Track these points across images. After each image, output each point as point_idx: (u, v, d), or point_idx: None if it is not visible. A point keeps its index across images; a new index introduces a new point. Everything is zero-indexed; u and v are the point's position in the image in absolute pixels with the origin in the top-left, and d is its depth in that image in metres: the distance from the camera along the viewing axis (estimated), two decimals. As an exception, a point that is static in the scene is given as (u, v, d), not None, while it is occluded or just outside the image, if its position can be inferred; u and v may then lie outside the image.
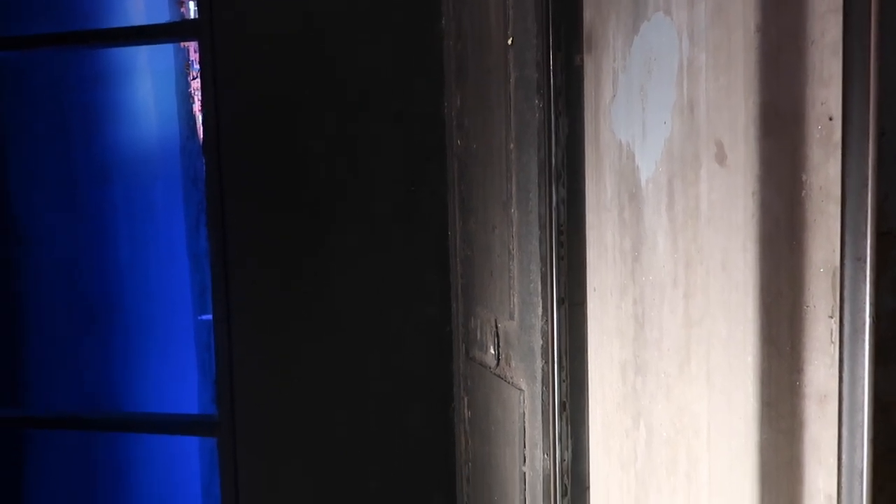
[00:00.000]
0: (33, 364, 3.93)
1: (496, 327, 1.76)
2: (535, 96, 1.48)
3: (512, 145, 1.62)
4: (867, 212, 0.76)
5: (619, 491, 1.38)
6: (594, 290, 1.44)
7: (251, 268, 2.21)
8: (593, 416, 1.48)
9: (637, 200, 1.26)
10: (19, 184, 3.84)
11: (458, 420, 2.14)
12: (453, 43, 2.03)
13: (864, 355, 0.78)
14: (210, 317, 2.39)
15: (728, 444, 1.06)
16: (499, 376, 1.77)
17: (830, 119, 0.85)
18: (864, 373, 0.78)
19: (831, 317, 0.87)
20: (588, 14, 1.41)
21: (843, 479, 0.80)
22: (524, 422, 1.62)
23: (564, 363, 1.47)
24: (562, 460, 1.48)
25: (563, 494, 1.48)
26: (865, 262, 0.76)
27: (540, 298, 1.50)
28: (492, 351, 1.79)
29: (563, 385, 1.47)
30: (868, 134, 0.76)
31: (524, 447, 1.63)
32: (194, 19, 2.26)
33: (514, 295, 1.65)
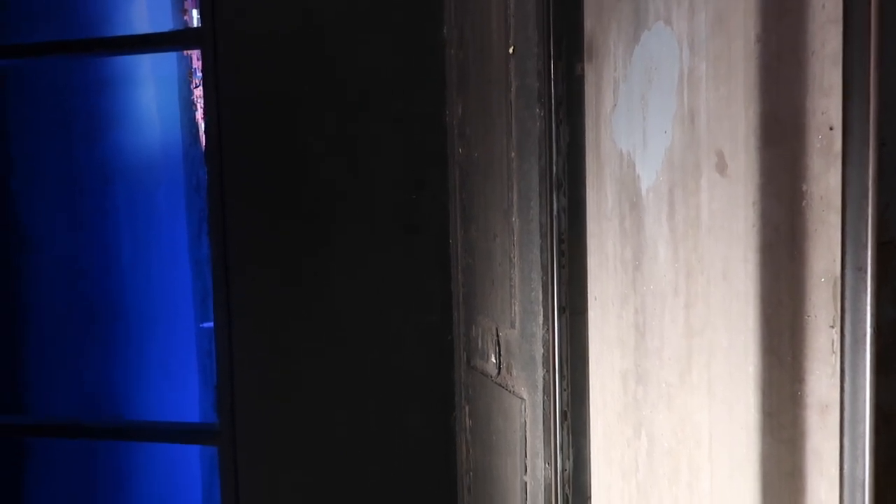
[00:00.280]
0: (34, 370, 3.93)
1: (497, 336, 1.76)
2: (537, 105, 1.49)
3: (513, 154, 1.63)
4: (868, 222, 0.76)
5: (621, 501, 1.37)
6: (595, 298, 1.44)
7: (252, 275, 2.21)
8: (594, 426, 1.47)
9: (638, 209, 1.26)
10: (23, 189, 3.85)
11: (459, 429, 2.13)
12: (455, 51, 2.04)
13: (865, 366, 0.77)
14: (211, 325, 2.39)
15: (729, 455, 1.06)
16: (500, 385, 1.77)
17: (831, 129, 0.85)
18: (865, 383, 0.77)
19: (832, 327, 0.87)
20: (589, 23, 1.42)
21: (846, 490, 0.80)
22: (525, 431, 1.61)
23: (566, 372, 1.47)
24: (563, 470, 1.47)
25: (565, 504, 1.48)
26: (866, 272, 0.76)
27: (541, 307, 1.50)
28: (493, 360, 1.79)
29: (565, 394, 1.47)
30: (868, 144, 0.76)
31: (525, 457, 1.63)
32: (197, 28, 2.27)
33: (515, 303, 1.65)
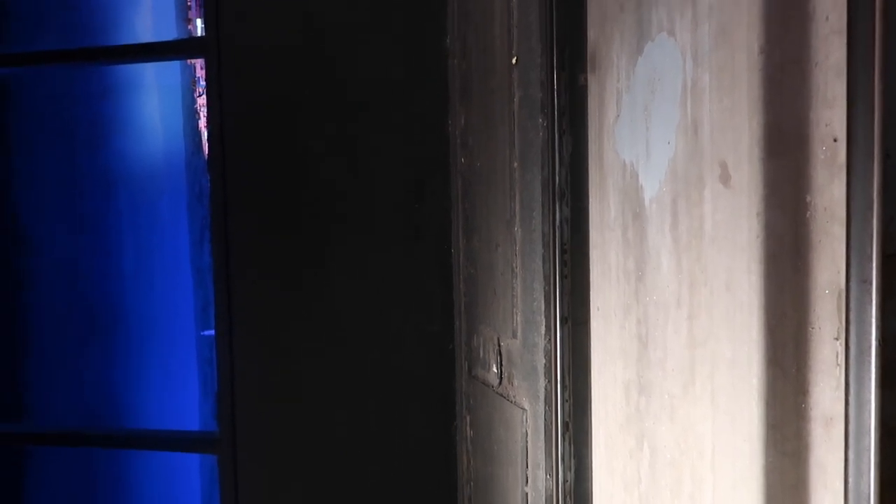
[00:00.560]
0: (35, 376, 3.93)
1: (499, 346, 1.76)
2: (539, 115, 1.49)
3: (516, 164, 1.63)
4: (872, 234, 0.76)
5: (623, 513, 1.36)
6: (598, 309, 1.44)
7: (254, 283, 2.21)
8: (596, 437, 1.46)
9: (641, 220, 1.26)
10: (25, 196, 3.86)
11: (460, 438, 2.12)
12: (458, 61, 2.04)
13: (870, 378, 0.77)
14: (212, 332, 2.39)
15: (732, 466, 1.05)
16: (501, 395, 1.76)
17: (835, 140, 0.85)
18: (870, 396, 0.77)
19: (837, 339, 0.86)
20: (592, 34, 1.42)
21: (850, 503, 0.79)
22: (527, 441, 1.61)
23: (567, 382, 1.46)
24: (564, 481, 1.46)
25: (566, 516, 1.47)
26: (871, 284, 0.76)
27: (543, 317, 1.50)
28: (494, 369, 1.78)
29: (567, 405, 1.46)
30: (873, 155, 0.76)
31: (527, 467, 1.62)
32: (201, 37, 2.28)
33: (517, 313, 1.65)
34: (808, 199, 0.90)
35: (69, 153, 4.45)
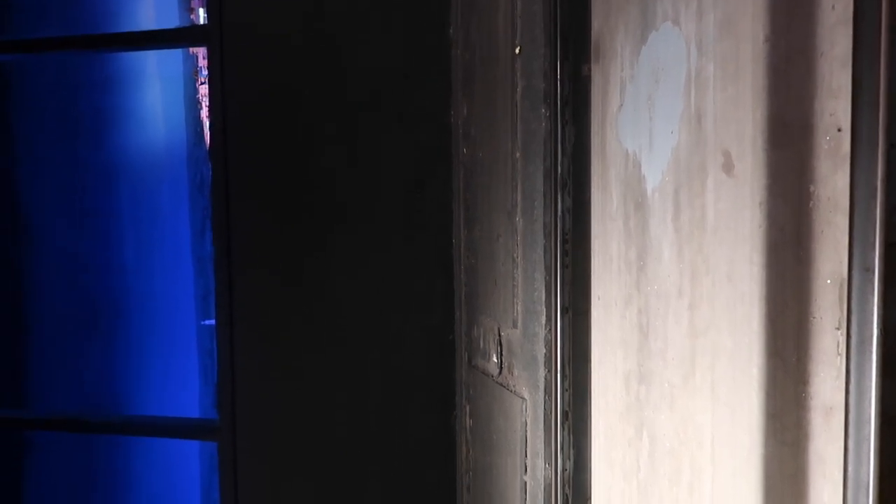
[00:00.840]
0: (36, 365, 3.94)
1: (499, 336, 1.76)
2: (542, 105, 1.49)
3: (518, 154, 1.63)
4: (875, 223, 0.75)
5: (621, 501, 1.37)
6: (598, 299, 1.44)
7: (254, 273, 2.21)
8: (596, 426, 1.47)
9: (643, 210, 1.26)
10: (27, 185, 3.86)
11: (460, 428, 2.13)
12: (461, 51, 2.04)
13: (871, 368, 0.77)
14: (213, 322, 2.39)
15: (732, 456, 1.05)
16: (501, 385, 1.76)
17: (839, 130, 0.85)
18: (870, 385, 0.77)
19: (838, 329, 0.86)
20: (596, 24, 1.42)
21: (849, 493, 0.80)
22: (526, 431, 1.61)
23: (567, 372, 1.46)
24: (563, 470, 1.47)
25: (565, 505, 1.48)
26: (874, 273, 0.76)
27: (544, 307, 1.50)
28: (494, 359, 1.79)
29: (566, 394, 1.46)
30: (877, 146, 0.76)
31: (526, 456, 1.62)
32: (203, 25, 2.28)
33: (517, 303, 1.65)
34: (812, 188, 0.89)
35: (71, 142, 4.45)
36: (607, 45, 1.37)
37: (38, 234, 3.97)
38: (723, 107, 1.05)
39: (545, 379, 1.50)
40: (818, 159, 0.89)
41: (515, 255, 1.66)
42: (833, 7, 0.86)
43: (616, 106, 1.35)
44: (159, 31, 2.42)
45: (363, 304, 2.17)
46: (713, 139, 1.07)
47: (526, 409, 1.61)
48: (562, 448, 1.46)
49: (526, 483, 1.63)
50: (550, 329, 1.48)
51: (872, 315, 0.76)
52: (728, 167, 1.03)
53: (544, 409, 1.50)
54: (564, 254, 1.45)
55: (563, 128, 1.44)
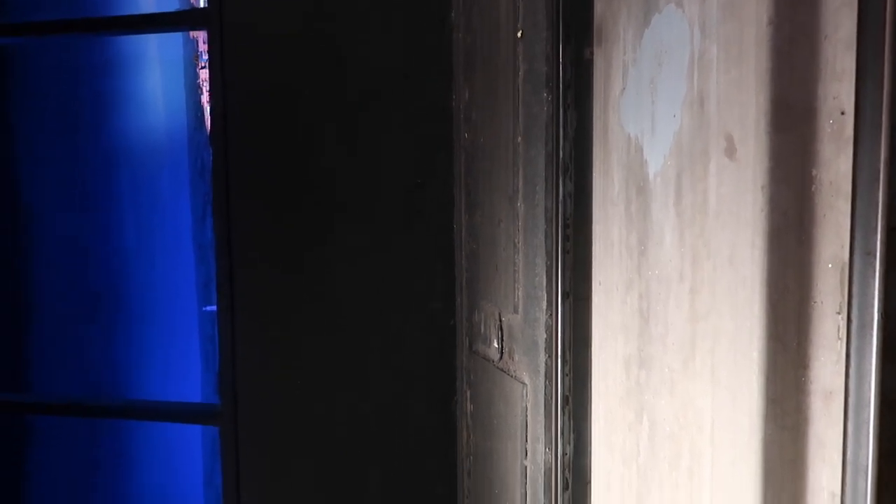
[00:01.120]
0: (37, 351, 3.95)
1: (500, 321, 1.76)
2: (544, 90, 1.48)
3: (520, 139, 1.62)
4: (878, 207, 0.75)
5: (621, 485, 1.37)
6: (599, 284, 1.44)
7: (256, 259, 2.21)
8: (596, 411, 1.47)
9: (644, 195, 1.25)
10: (27, 171, 3.85)
11: (461, 414, 2.14)
12: (462, 35, 2.02)
13: (871, 352, 0.77)
14: (214, 308, 2.39)
15: (732, 440, 1.06)
16: (502, 370, 1.77)
17: (843, 114, 0.85)
18: (870, 369, 0.77)
19: (839, 313, 0.86)
20: (599, 7, 1.40)
21: (848, 476, 0.80)
22: (526, 416, 1.62)
23: (568, 357, 1.47)
24: (563, 454, 1.48)
25: (565, 489, 1.48)
26: (875, 257, 0.75)
27: (545, 292, 1.50)
28: (495, 345, 1.79)
29: (567, 379, 1.47)
30: (881, 129, 0.76)
31: (526, 441, 1.63)
32: (203, 8, 2.26)
33: (518, 289, 1.65)
34: (814, 172, 0.89)
35: (71, 127, 4.44)
36: (610, 28, 1.36)
37: (39, 218, 3.97)
38: (726, 90, 1.04)
39: (546, 364, 1.50)
40: (821, 143, 0.88)
41: (516, 240, 1.65)
42: (838, -11, 0.85)
43: (618, 90, 1.34)
44: (159, 15, 2.41)
45: (363, 288, 2.17)
46: (716, 123, 1.06)
47: (526, 393, 1.61)
48: (562, 433, 1.47)
49: (526, 467, 1.64)
50: (551, 314, 1.48)
51: (873, 299, 0.76)
52: (730, 151, 1.03)
53: (545, 393, 1.51)
54: (566, 238, 1.45)
55: (565, 112, 1.44)
